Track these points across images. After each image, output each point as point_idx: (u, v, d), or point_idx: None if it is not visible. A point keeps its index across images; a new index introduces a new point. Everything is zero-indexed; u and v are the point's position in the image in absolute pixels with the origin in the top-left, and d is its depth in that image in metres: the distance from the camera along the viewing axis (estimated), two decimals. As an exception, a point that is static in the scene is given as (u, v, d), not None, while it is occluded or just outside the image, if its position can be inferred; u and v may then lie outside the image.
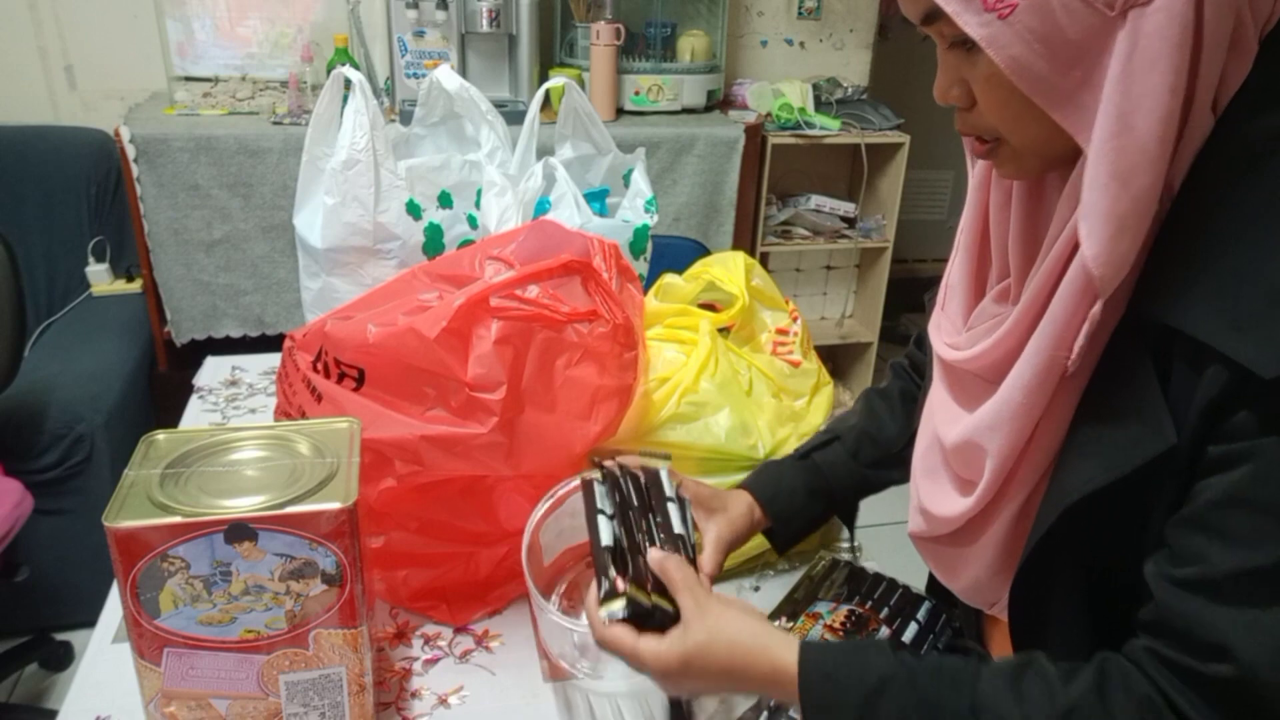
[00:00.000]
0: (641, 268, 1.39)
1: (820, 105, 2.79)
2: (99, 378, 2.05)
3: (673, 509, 0.83)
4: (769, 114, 2.70)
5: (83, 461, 1.92)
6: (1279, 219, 0.56)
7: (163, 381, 2.34)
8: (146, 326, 2.34)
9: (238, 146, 2.18)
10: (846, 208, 2.94)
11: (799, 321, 1.25)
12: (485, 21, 2.35)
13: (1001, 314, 0.70)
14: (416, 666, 0.93)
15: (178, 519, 0.70)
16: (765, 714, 0.86)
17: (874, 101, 2.88)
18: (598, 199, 1.46)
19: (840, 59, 3.04)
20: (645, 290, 1.25)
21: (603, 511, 0.80)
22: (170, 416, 1.39)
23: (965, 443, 0.71)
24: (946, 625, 0.96)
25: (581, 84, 2.46)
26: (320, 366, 0.91)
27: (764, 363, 1.18)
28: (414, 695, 0.90)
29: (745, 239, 2.69)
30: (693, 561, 0.78)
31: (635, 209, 1.41)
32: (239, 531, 0.71)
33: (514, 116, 1.77)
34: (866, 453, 0.99)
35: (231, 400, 1.41)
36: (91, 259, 2.41)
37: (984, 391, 0.70)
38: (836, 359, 3.22)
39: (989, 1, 0.56)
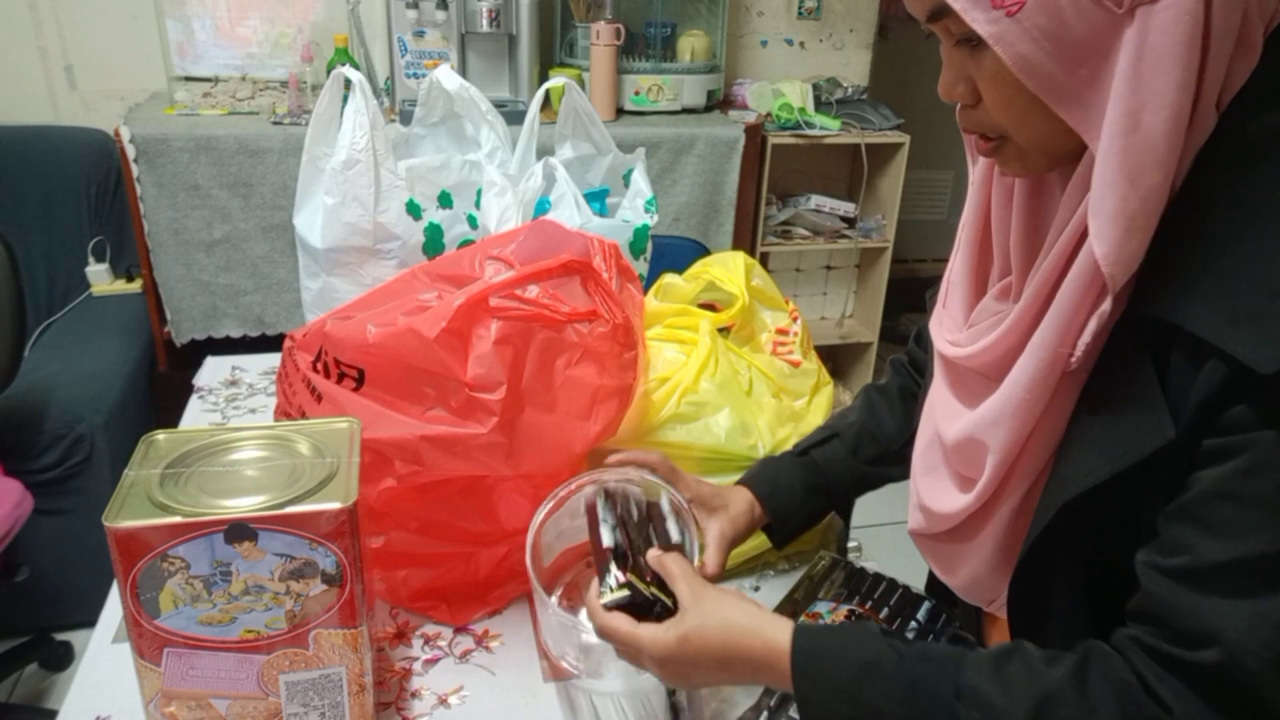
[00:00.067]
0: (641, 268, 1.39)
1: (820, 105, 2.79)
2: (99, 378, 2.05)
3: (671, 523, 0.85)
4: (769, 114, 2.70)
5: (83, 461, 1.92)
6: (1279, 217, 0.56)
7: (163, 381, 2.34)
8: (146, 326, 2.34)
9: (238, 146, 2.18)
10: (846, 208, 2.95)
11: (799, 321, 1.25)
12: (485, 21, 2.35)
13: (1003, 311, 0.70)
14: (416, 666, 0.93)
15: (178, 519, 0.70)
16: (765, 714, 0.86)
17: (874, 101, 2.88)
18: (598, 199, 1.46)
19: (840, 59, 3.04)
20: (645, 290, 1.25)
21: (605, 521, 0.83)
22: (170, 416, 1.39)
23: (966, 439, 0.71)
24: (946, 625, 0.96)
25: (581, 84, 2.46)
26: (320, 366, 0.91)
27: (764, 363, 1.18)
28: (414, 695, 0.90)
29: (745, 239, 2.69)
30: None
31: (635, 209, 1.41)
32: (239, 531, 0.71)
33: (514, 116, 1.77)
34: (865, 450, 0.99)
35: (231, 400, 1.41)
36: (91, 259, 2.41)
37: (985, 388, 0.70)
38: (836, 359, 3.22)
39: None
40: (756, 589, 1.06)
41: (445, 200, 1.39)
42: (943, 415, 0.76)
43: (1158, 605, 0.59)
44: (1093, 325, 0.61)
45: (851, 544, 1.15)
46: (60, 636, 2.00)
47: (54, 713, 0.87)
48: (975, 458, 0.71)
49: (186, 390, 1.43)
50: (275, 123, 2.26)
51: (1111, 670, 0.60)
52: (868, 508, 1.06)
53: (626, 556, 0.80)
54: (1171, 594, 0.58)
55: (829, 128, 2.71)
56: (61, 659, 1.99)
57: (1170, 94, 0.55)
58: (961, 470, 0.75)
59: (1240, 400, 0.55)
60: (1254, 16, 0.57)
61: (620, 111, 2.58)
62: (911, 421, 0.88)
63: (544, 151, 1.44)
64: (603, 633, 0.76)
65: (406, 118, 1.83)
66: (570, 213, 1.30)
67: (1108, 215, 0.57)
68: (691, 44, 2.68)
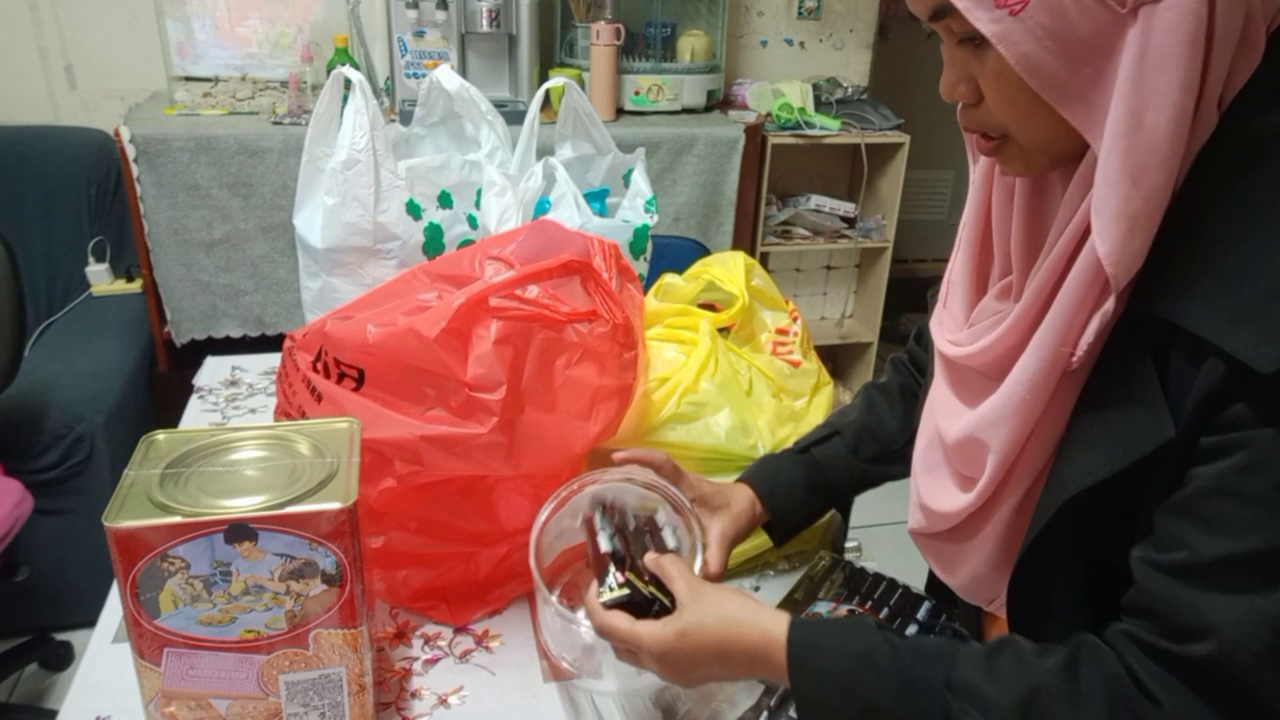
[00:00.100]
0: (641, 268, 1.39)
1: (820, 105, 2.79)
2: (99, 378, 2.05)
3: (667, 534, 0.86)
4: (769, 114, 2.70)
5: (83, 461, 1.92)
6: None
7: (163, 381, 2.34)
8: (146, 326, 2.34)
9: (238, 146, 2.18)
10: (846, 208, 2.95)
11: (799, 321, 1.25)
12: (485, 21, 2.35)
13: (1003, 311, 0.70)
14: (416, 666, 0.93)
15: (178, 519, 0.70)
16: (765, 714, 0.86)
17: (874, 101, 2.88)
18: (598, 199, 1.46)
19: (840, 59, 3.04)
20: (645, 290, 1.25)
21: (602, 530, 0.84)
22: (170, 416, 1.39)
23: (967, 438, 0.71)
24: (946, 625, 0.96)
25: (581, 84, 2.46)
26: (320, 366, 0.91)
27: (764, 363, 1.18)
28: (414, 695, 0.90)
29: (745, 239, 2.69)
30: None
31: (635, 209, 1.41)
32: (239, 531, 0.71)
33: (514, 116, 1.77)
34: (866, 448, 0.99)
35: (231, 400, 1.41)
36: (91, 259, 2.41)
37: (985, 387, 0.70)
38: (836, 359, 3.22)
39: None
40: (756, 589, 1.06)
41: (445, 200, 1.39)
42: (943, 414, 0.76)
43: (1152, 600, 0.59)
44: (1095, 324, 0.61)
45: (851, 544, 1.15)
46: (60, 636, 2.00)
47: (54, 713, 0.87)
48: (976, 457, 0.71)
49: (186, 390, 1.43)
50: (275, 123, 2.26)
51: (1102, 664, 0.61)
52: (868, 507, 1.06)
53: (624, 560, 0.81)
54: (1167, 589, 0.58)
55: (829, 128, 2.71)
56: (61, 659, 1.99)
57: (1173, 93, 0.55)
58: (962, 470, 0.75)
59: (1240, 399, 0.55)
60: (1257, 16, 0.57)
61: (620, 111, 2.58)
62: (912, 420, 0.88)
63: (544, 151, 1.44)
64: (602, 631, 0.77)
65: (406, 118, 1.83)
66: (570, 213, 1.30)
67: (1111, 215, 0.57)
68: (691, 44, 2.68)
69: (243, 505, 0.72)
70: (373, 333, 0.87)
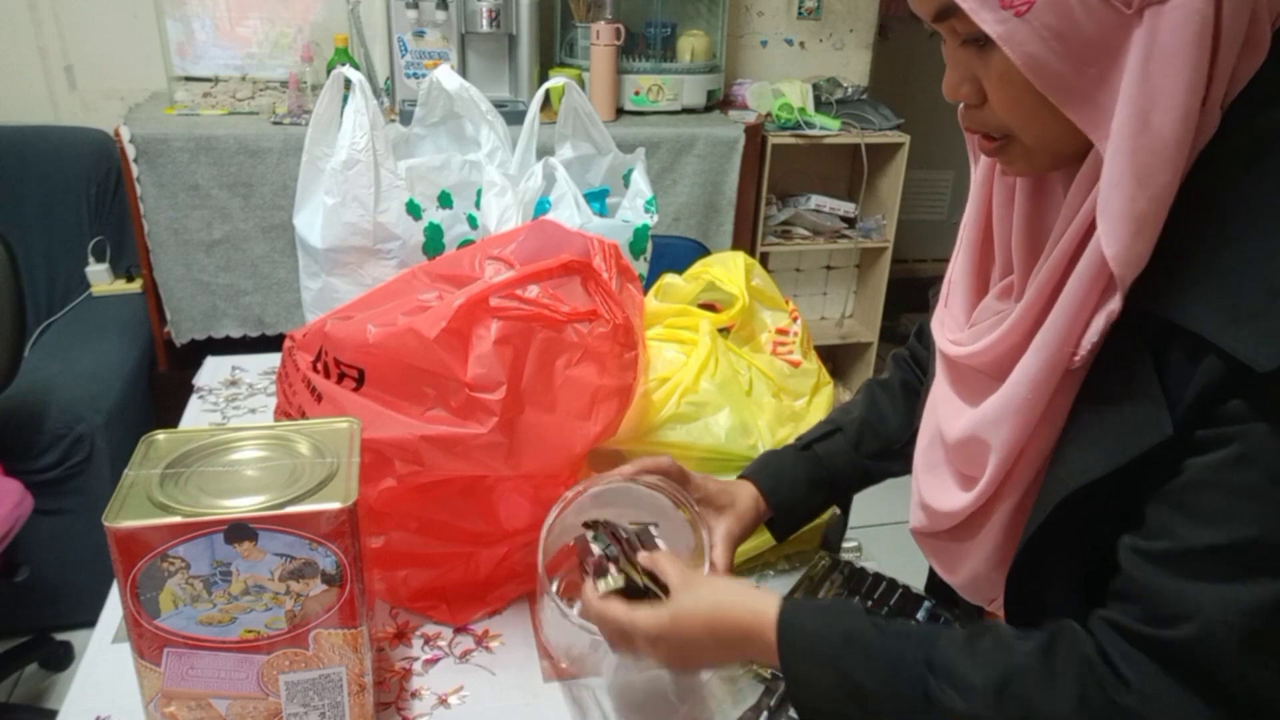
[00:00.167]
0: (641, 268, 1.39)
1: (820, 105, 2.79)
2: (99, 378, 2.05)
3: (661, 544, 0.87)
4: (769, 114, 2.70)
5: (83, 461, 1.92)
6: None
7: (163, 381, 2.34)
8: (146, 326, 2.34)
9: (238, 146, 2.18)
10: (846, 208, 2.95)
11: (799, 321, 1.25)
12: (485, 21, 2.35)
13: (1004, 310, 0.70)
14: (416, 666, 0.93)
15: (178, 519, 0.70)
16: (765, 714, 0.86)
17: (874, 101, 2.88)
18: (598, 199, 1.46)
19: (840, 59, 3.04)
20: (645, 290, 1.25)
21: (597, 540, 0.85)
22: (170, 416, 1.39)
23: (969, 438, 0.71)
24: (946, 625, 0.96)
25: (581, 84, 2.46)
26: (320, 366, 0.91)
27: (764, 363, 1.18)
28: (414, 695, 0.90)
29: (745, 239, 2.69)
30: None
31: (635, 209, 1.41)
32: (239, 531, 0.71)
33: (514, 116, 1.77)
34: (868, 445, 1.00)
35: (231, 400, 1.41)
36: (91, 259, 2.41)
37: (987, 387, 0.70)
38: (836, 359, 3.22)
39: None
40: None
41: (445, 200, 1.39)
42: (944, 413, 0.76)
43: (1135, 586, 0.60)
44: (1100, 324, 0.61)
45: (851, 544, 1.15)
46: (60, 636, 2.00)
47: (54, 713, 0.87)
48: (978, 456, 0.71)
49: (186, 390, 1.43)
50: (275, 123, 2.26)
51: (1077, 646, 0.62)
52: (868, 507, 1.06)
53: (619, 559, 0.81)
54: (1150, 576, 0.59)
55: (829, 128, 2.71)
56: (61, 659, 1.99)
57: (1180, 94, 0.55)
58: (963, 469, 0.75)
59: (1236, 395, 0.55)
60: (1263, 14, 0.57)
61: (620, 111, 2.58)
62: (913, 416, 0.88)
63: (544, 151, 1.44)
64: (599, 620, 0.78)
65: (406, 118, 1.83)
66: (570, 213, 1.30)
67: (1117, 216, 0.57)
68: (691, 44, 2.68)
69: (243, 505, 0.72)
70: (373, 333, 0.87)
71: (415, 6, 2.32)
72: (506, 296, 0.88)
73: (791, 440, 1.05)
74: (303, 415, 0.91)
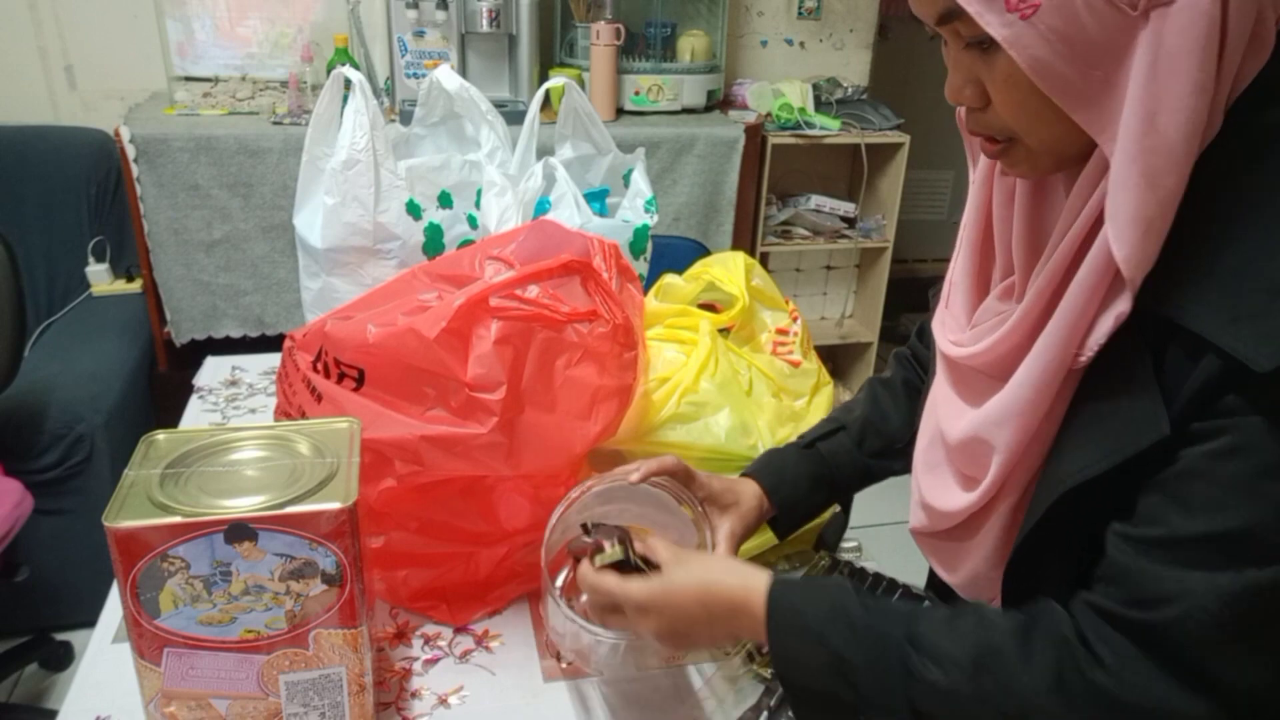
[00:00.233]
0: (641, 268, 1.39)
1: (820, 105, 2.79)
2: (99, 378, 2.05)
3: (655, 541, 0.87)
4: (769, 114, 2.70)
5: (83, 461, 1.92)
6: None
7: (163, 381, 2.34)
8: (146, 326, 2.34)
9: (238, 146, 2.18)
10: (846, 208, 2.95)
11: (799, 321, 1.25)
12: (485, 21, 2.35)
13: (1006, 312, 0.70)
14: (416, 666, 0.93)
15: (178, 519, 0.70)
16: (765, 714, 0.86)
17: (874, 101, 2.88)
18: (598, 199, 1.46)
19: (840, 59, 3.04)
20: (645, 290, 1.25)
21: (598, 528, 0.84)
22: (170, 416, 1.39)
23: (971, 438, 0.71)
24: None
25: (581, 84, 2.46)
26: (320, 366, 0.91)
27: (764, 363, 1.18)
28: (414, 695, 0.90)
29: (745, 239, 2.69)
30: None
31: (635, 209, 1.41)
32: (239, 531, 0.71)
33: (514, 116, 1.77)
34: (870, 443, 1.00)
35: (231, 400, 1.41)
36: (91, 259, 2.41)
37: (988, 388, 0.70)
38: (836, 359, 3.22)
39: (1011, 2, 0.55)
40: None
41: (445, 200, 1.39)
42: (945, 414, 0.76)
43: (1120, 571, 0.61)
44: (1107, 325, 0.61)
45: (851, 544, 1.15)
46: (60, 636, 2.00)
47: (54, 713, 0.87)
48: (980, 457, 0.71)
49: (186, 390, 1.43)
50: (275, 123, 2.26)
51: (1056, 626, 0.63)
52: (868, 507, 1.06)
53: (615, 539, 0.82)
54: (1135, 561, 0.60)
55: (829, 128, 2.71)
56: (61, 659, 1.99)
57: (1188, 95, 0.55)
58: (964, 469, 0.75)
59: (1233, 391, 0.56)
60: (1268, 14, 0.56)
61: (620, 111, 2.58)
62: (915, 416, 0.88)
63: (544, 151, 1.44)
64: (592, 590, 0.79)
65: (406, 118, 1.83)
66: (570, 213, 1.30)
67: (1127, 219, 0.57)
68: (691, 44, 2.68)
69: (243, 505, 0.72)
70: (373, 333, 0.87)
71: (415, 6, 2.32)
72: (506, 296, 0.88)
73: (793, 439, 1.05)
74: (303, 415, 0.91)
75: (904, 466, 0.95)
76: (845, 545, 1.16)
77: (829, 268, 3.15)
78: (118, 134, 2.15)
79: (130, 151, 2.13)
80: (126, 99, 2.53)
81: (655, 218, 1.40)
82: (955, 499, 0.75)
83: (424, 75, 2.18)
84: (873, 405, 1.02)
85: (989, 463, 0.70)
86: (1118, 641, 0.60)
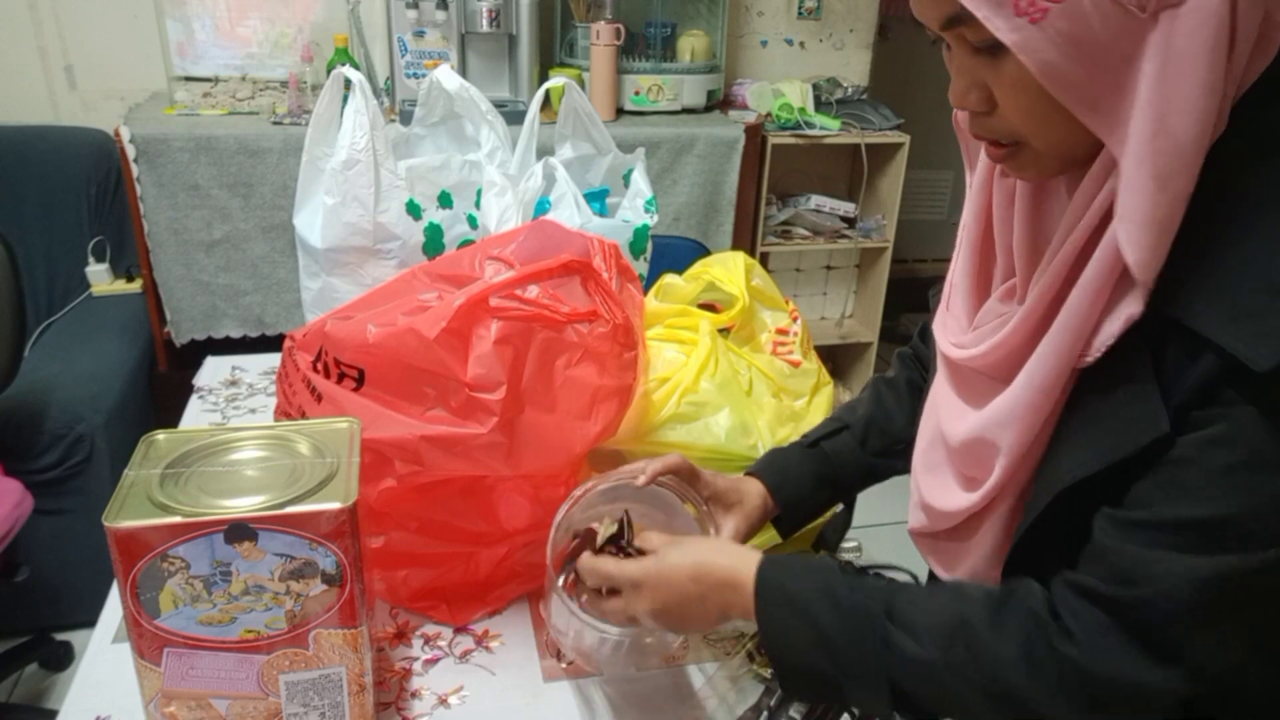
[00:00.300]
0: (641, 268, 1.39)
1: (820, 105, 2.79)
2: (99, 378, 2.05)
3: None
4: (769, 114, 2.70)
5: (83, 461, 1.92)
6: None
7: (163, 381, 2.34)
8: (146, 326, 2.34)
9: (238, 146, 2.18)
10: (846, 208, 2.95)
11: (799, 321, 1.25)
12: (485, 21, 2.35)
13: (1008, 313, 0.70)
14: (416, 666, 0.93)
15: (178, 519, 0.70)
16: (765, 714, 0.86)
17: (874, 101, 2.88)
18: (598, 199, 1.46)
19: (840, 59, 3.04)
20: (645, 290, 1.25)
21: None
22: (170, 416, 1.39)
23: (975, 439, 0.71)
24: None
25: (581, 84, 2.46)
26: (320, 366, 0.91)
27: (764, 363, 1.18)
28: (414, 695, 0.90)
29: (745, 239, 2.69)
30: None
31: (635, 209, 1.41)
32: (239, 531, 0.71)
33: (514, 116, 1.77)
34: (873, 442, 1.00)
35: (231, 400, 1.41)
36: (91, 259, 2.41)
37: (990, 389, 0.70)
38: (836, 359, 3.22)
39: (1020, 6, 0.55)
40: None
41: (445, 200, 1.39)
42: (947, 415, 0.76)
43: (1101, 551, 0.62)
44: (1117, 327, 0.61)
45: (851, 544, 1.15)
46: (60, 636, 1.99)
47: (54, 713, 0.87)
48: (984, 458, 0.71)
49: (186, 390, 1.43)
50: (275, 123, 2.26)
51: (1029, 600, 0.65)
52: (868, 507, 1.06)
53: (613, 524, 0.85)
54: (1117, 542, 0.61)
55: (829, 128, 2.71)
56: (61, 659, 1.99)
57: (1198, 97, 0.55)
58: (966, 471, 0.75)
59: (1231, 386, 0.56)
60: (1275, 13, 0.56)
61: (620, 111, 2.58)
62: (919, 415, 0.88)
63: (544, 151, 1.44)
64: (590, 572, 0.81)
65: (406, 118, 1.83)
66: (570, 213, 1.30)
67: (1140, 222, 0.57)
68: (691, 44, 2.68)
69: (243, 505, 0.72)
70: (373, 333, 0.87)
71: (415, 6, 2.32)
72: (506, 296, 0.88)
73: (795, 439, 1.05)
74: (303, 415, 0.91)
75: (907, 466, 0.95)
76: (845, 545, 1.16)
77: (829, 268, 3.15)
78: (118, 134, 2.15)
79: (130, 151, 2.13)
80: (126, 99, 2.53)
81: (655, 218, 1.40)
82: (956, 499, 0.75)
83: (424, 75, 2.18)
84: (876, 404, 1.02)
85: (992, 464, 0.70)
86: (1089, 615, 0.61)
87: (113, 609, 0.97)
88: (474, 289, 0.88)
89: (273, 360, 1.50)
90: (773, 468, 0.98)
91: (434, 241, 1.36)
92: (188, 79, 2.52)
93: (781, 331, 1.24)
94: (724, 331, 1.19)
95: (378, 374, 0.87)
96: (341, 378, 0.89)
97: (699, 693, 0.90)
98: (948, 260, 0.81)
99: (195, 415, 1.37)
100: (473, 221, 1.41)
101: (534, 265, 0.92)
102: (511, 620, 1.00)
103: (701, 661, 0.95)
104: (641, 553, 0.82)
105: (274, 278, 2.33)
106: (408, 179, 1.34)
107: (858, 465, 1.00)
